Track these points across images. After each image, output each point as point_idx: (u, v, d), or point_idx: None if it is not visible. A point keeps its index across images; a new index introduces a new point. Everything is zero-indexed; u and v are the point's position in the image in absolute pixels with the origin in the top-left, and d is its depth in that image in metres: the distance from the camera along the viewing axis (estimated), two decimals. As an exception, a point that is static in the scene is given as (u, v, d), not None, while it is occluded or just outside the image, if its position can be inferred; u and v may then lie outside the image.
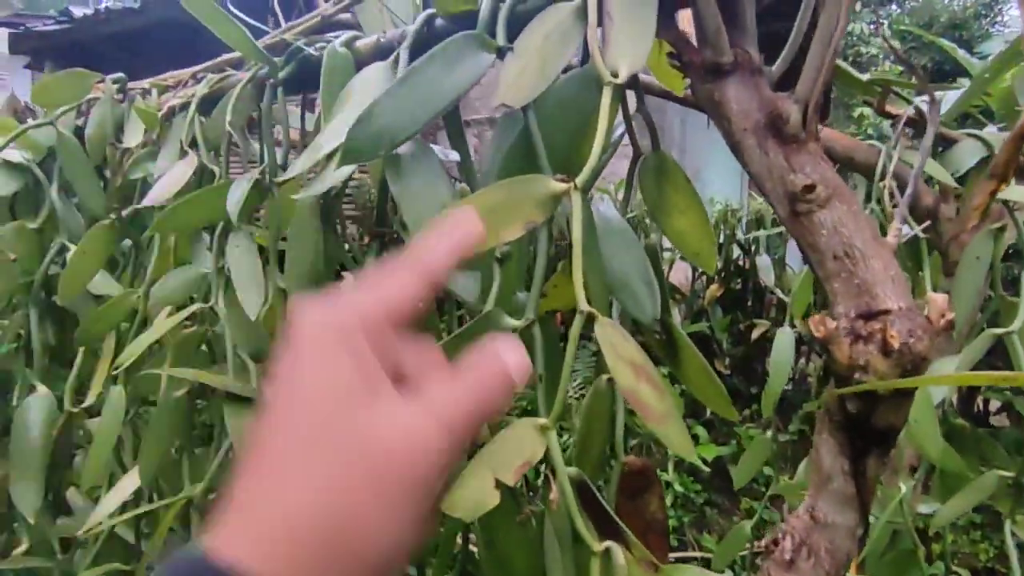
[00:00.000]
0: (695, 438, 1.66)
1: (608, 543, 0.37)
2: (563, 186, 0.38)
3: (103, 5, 4.95)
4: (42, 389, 0.74)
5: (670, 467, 1.64)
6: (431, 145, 0.46)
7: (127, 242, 0.86)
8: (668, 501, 1.60)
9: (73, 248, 0.74)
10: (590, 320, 0.37)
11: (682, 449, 0.37)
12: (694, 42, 0.43)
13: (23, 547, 0.72)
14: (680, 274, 1.89)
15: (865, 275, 0.38)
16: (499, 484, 0.39)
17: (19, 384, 0.81)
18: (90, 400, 0.71)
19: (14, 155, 0.82)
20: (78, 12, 5.03)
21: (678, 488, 1.60)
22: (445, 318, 0.58)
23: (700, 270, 1.82)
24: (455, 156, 0.46)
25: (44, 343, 0.81)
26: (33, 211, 0.82)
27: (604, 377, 0.47)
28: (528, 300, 0.41)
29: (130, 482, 0.62)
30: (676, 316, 1.76)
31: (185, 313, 0.58)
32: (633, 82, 0.41)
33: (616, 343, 0.38)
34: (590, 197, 0.42)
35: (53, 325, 0.84)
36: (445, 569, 0.49)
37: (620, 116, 0.47)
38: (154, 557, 0.56)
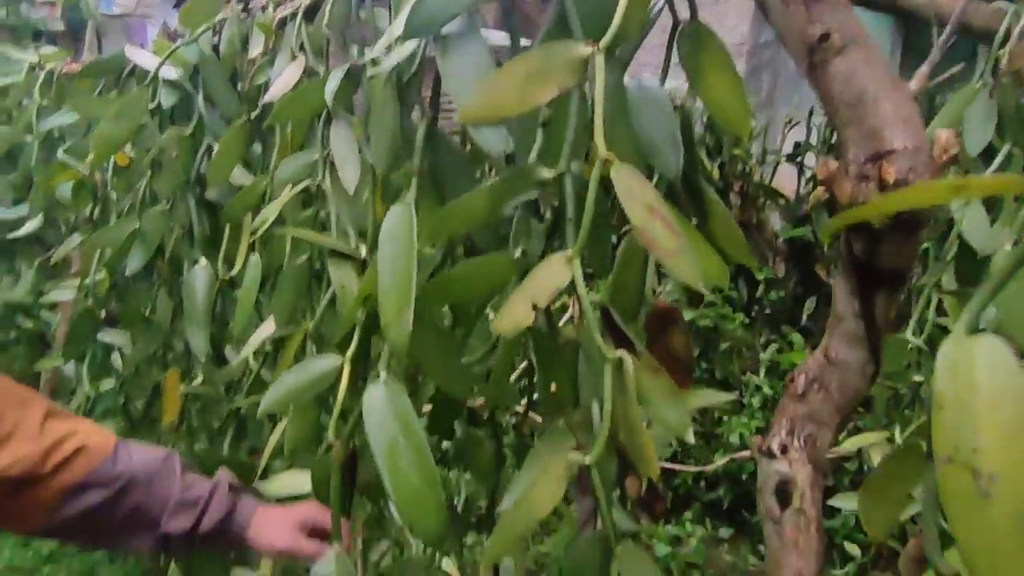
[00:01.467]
0: (790, 344, 1.65)
1: (620, 352, 0.45)
2: (589, 49, 0.44)
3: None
4: (203, 261, 0.93)
5: (761, 371, 1.66)
6: (481, 29, 0.52)
7: (258, 148, 1.01)
8: (757, 403, 1.63)
9: (217, 147, 0.90)
10: (607, 164, 0.43)
11: (689, 279, 0.43)
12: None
13: (199, 379, 0.94)
14: (786, 178, 1.81)
15: (875, 120, 0.40)
16: (535, 307, 0.47)
17: (187, 262, 1.01)
18: (236, 269, 0.88)
19: (171, 73, 0.99)
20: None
21: (767, 391, 1.62)
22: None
23: (807, 175, 1.73)
24: (500, 38, 0.53)
25: (201, 228, 1.00)
26: (186, 119, 0.99)
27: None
28: (563, 153, 0.47)
29: (267, 327, 0.78)
30: (776, 221, 1.71)
31: (300, 187, 0.70)
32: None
33: (632, 186, 0.43)
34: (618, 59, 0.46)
35: (206, 216, 1.03)
36: (503, 386, 0.60)
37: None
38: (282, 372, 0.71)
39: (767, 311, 1.75)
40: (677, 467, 1.59)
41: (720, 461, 1.57)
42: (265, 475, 0.83)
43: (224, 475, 0.65)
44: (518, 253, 0.51)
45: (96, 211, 1.44)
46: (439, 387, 0.65)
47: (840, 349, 0.49)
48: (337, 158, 0.69)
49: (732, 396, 0.59)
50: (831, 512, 1.41)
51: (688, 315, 1.72)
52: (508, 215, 0.55)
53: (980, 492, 0.27)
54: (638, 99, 0.51)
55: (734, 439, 1.62)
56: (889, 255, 0.42)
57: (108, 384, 1.38)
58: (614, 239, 0.58)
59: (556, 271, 0.47)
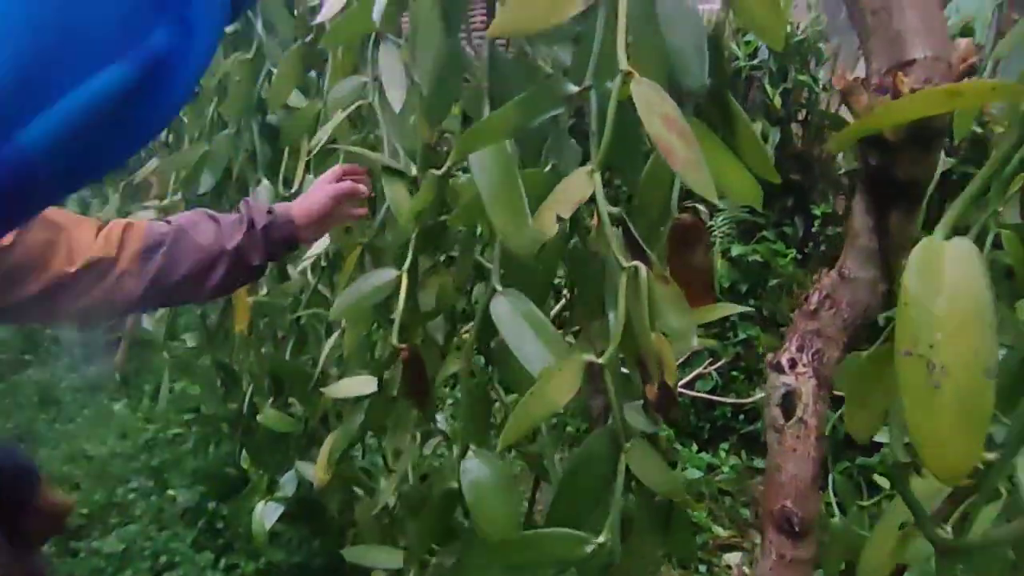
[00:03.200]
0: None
1: (635, 263, 0.48)
2: (614, -40, 0.44)
3: None
4: (265, 182, 1.00)
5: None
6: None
7: (313, 74, 1.06)
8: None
9: (276, 71, 0.94)
10: (628, 78, 0.45)
11: (703, 190, 0.45)
12: None
13: (264, 291, 1.04)
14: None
15: (899, 26, 0.40)
16: (559, 217, 0.51)
17: (251, 182, 1.09)
18: (294, 188, 0.95)
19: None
20: None
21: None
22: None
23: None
24: None
25: (263, 150, 1.07)
26: (247, 45, 1.05)
27: (663, 147, 0.54)
28: (589, 68, 0.49)
29: (323, 241, 0.84)
30: (842, 153, 1.63)
31: (351, 108, 0.75)
32: None
33: (651, 99, 0.45)
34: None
35: (268, 138, 1.10)
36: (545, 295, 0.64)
37: None
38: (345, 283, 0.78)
39: (822, 248, 1.70)
40: (716, 399, 1.62)
41: (762, 394, 1.59)
42: (322, 383, 0.92)
43: (247, 199, 0.75)
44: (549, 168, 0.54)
45: (170, 137, 1.54)
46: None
47: (853, 266, 0.50)
48: (385, 79, 0.73)
49: (744, 308, 0.61)
50: (872, 448, 1.41)
51: (738, 249, 1.70)
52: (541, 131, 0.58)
53: (931, 383, 0.29)
54: (667, 11, 0.52)
55: (777, 375, 1.62)
56: (905, 167, 0.43)
57: (187, 298, 1.52)
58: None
59: (579, 184, 0.49)
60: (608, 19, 0.48)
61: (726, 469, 1.61)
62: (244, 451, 1.22)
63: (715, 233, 1.68)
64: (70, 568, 1.34)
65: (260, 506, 1.03)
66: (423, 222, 0.69)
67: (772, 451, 0.55)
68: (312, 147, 0.80)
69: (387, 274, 0.69)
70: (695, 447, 1.68)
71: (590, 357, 0.49)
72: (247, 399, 1.23)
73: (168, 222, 0.67)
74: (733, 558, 1.46)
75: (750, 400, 1.60)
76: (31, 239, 0.56)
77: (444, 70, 0.64)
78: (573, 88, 0.49)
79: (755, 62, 1.62)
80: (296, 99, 0.96)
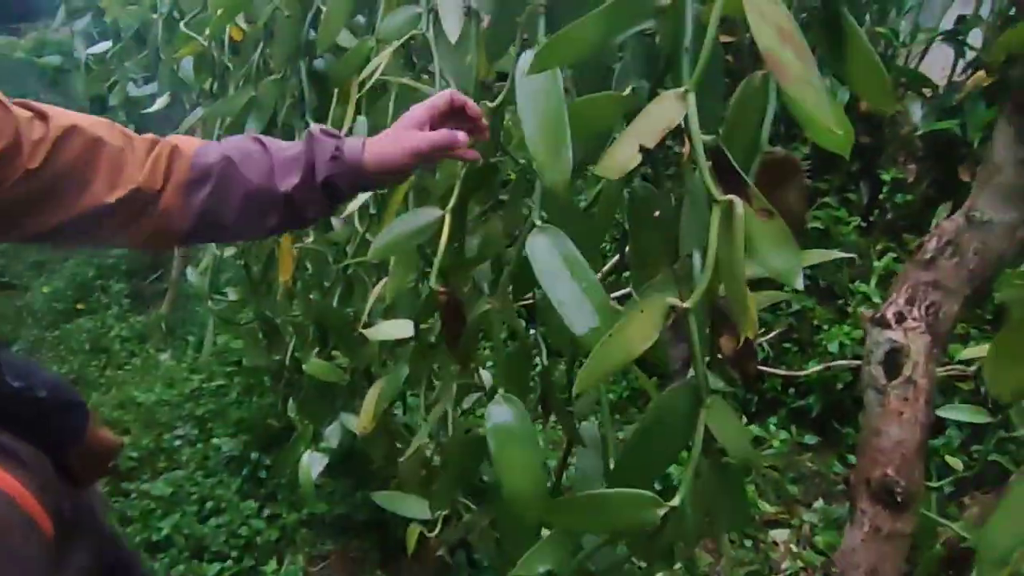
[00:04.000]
0: (910, 255, 1.50)
1: (731, 196, 0.42)
2: None
3: None
4: (314, 126, 0.97)
5: (872, 280, 1.54)
6: None
7: (362, 19, 1.01)
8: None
9: (325, 8, 0.90)
10: (738, -19, 0.39)
11: (816, 111, 0.39)
12: None
13: (311, 239, 1.01)
14: (937, 62, 1.57)
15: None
16: (642, 148, 0.45)
17: (297, 128, 1.06)
18: (344, 130, 0.91)
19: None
20: None
21: (876, 302, 1.51)
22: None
23: (968, 57, 1.48)
24: None
25: (311, 95, 1.03)
26: (293, -19, 1.00)
27: (759, 73, 0.48)
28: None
29: (372, 185, 0.80)
30: (917, 111, 1.51)
31: (404, 38, 0.70)
32: None
33: (763, 7, 0.39)
34: None
35: (315, 83, 1.06)
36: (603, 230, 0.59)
37: None
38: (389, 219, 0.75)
39: (888, 215, 1.59)
40: (767, 370, 1.55)
41: (815, 368, 1.51)
42: (367, 326, 0.89)
43: (313, 127, 0.62)
44: (627, 91, 0.48)
45: (215, 86, 1.52)
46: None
47: (987, 207, 0.44)
48: (441, 8, 0.67)
49: (847, 255, 0.55)
50: (937, 427, 1.34)
51: (798, 216, 1.61)
52: (618, 52, 0.52)
53: None
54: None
55: (833, 347, 1.54)
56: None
57: (230, 251, 1.52)
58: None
59: (668, 108, 0.44)
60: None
61: (776, 443, 1.55)
62: (290, 401, 1.22)
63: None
64: (123, 507, 1.37)
65: (306, 456, 1.03)
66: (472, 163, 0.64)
67: (871, 413, 0.49)
68: (362, 82, 0.75)
69: (431, 214, 0.65)
70: (743, 420, 1.62)
71: (674, 300, 0.44)
72: (290, 351, 1.22)
73: (219, 148, 0.59)
74: (780, 535, 1.41)
75: (802, 373, 1.53)
76: (66, 158, 0.51)
77: (504, 5, 0.59)
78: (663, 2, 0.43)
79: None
80: (346, 38, 0.92)
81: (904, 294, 0.48)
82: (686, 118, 0.43)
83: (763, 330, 1.63)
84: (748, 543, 1.36)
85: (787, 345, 1.66)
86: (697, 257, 0.47)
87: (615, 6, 0.44)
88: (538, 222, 0.51)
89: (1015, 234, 0.44)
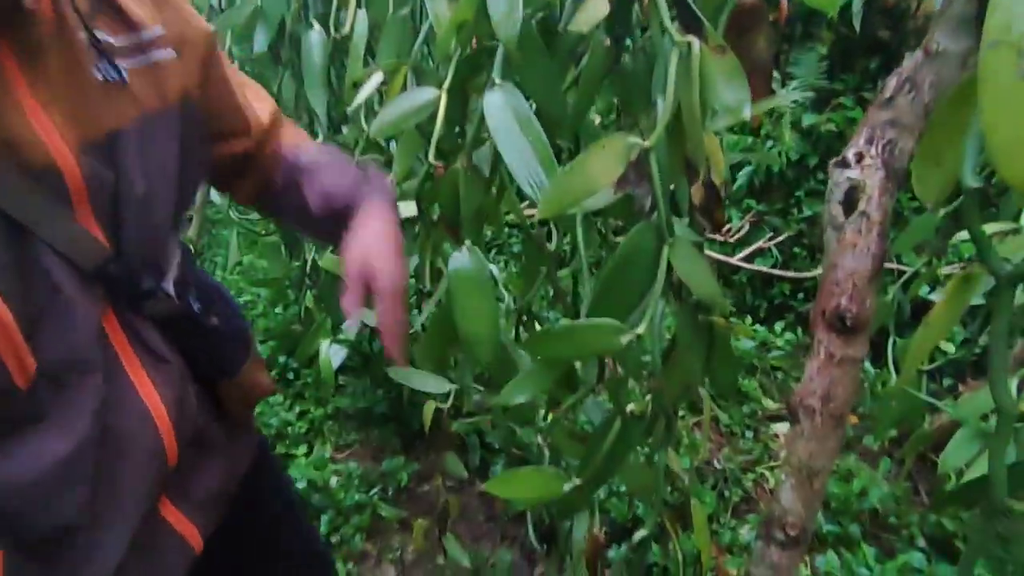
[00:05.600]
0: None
1: (688, 37, 0.44)
2: None
3: None
4: (316, 26, 0.99)
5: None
6: None
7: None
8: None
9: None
10: None
11: None
12: None
13: (320, 139, 1.05)
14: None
15: None
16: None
17: (304, 35, 1.08)
18: (347, 27, 0.93)
19: None
20: None
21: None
22: None
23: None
24: None
25: (316, 10, 1.04)
26: None
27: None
28: None
29: (376, 77, 0.83)
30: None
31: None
32: None
33: None
34: None
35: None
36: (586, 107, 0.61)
37: None
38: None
39: (908, 115, 1.55)
40: (775, 272, 1.57)
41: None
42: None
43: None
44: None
45: (222, 1, 1.52)
46: (539, 108, 0.67)
47: (943, 38, 0.45)
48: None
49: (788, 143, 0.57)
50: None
51: (810, 119, 1.58)
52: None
53: (1019, 73, 0.26)
54: None
55: (843, 252, 1.55)
56: None
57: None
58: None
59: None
60: None
61: (780, 343, 1.59)
62: (308, 294, 1.28)
63: (785, 105, 1.56)
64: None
65: (325, 345, 1.10)
66: (463, 38, 0.67)
67: (829, 250, 0.53)
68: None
69: (427, 92, 0.68)
70: (750, 321, 1.66)
71: (634, 139, 0.47)
72: (311, 258, 1.28)
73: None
74: (781, 427, 1.48)
75: (809, 275, 1.54)
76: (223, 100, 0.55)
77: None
78: None
79: None
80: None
81: (864, 135, 0.51)
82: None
83: (772, 234, 1.64)
84: (749, 434, 1.43)
85: (797, 250, 1.67)
86: (659, 101, 0.49)
87: None
88: (497, 80, 0.54)
89: (966, 63, 0.45)
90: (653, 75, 0.53)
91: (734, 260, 1.54)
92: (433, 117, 0.69)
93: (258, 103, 0.60)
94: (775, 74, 1.56)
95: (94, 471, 0.43)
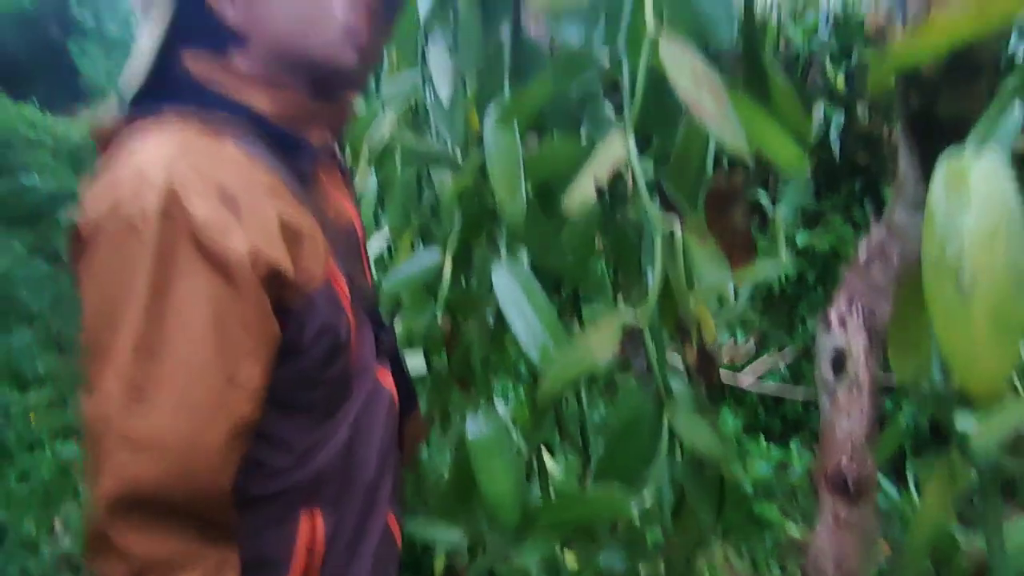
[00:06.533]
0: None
1: (670, 215, 0.48)
2: (641, -72, 0.46)
3: None
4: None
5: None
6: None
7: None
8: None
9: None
10: (656, 40, 0.46)
11: (732, 141, 0.45)
12: None
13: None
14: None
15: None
16: (597, 182, 0.52)
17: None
18: (357, 182, 1.01)
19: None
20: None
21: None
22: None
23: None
24: None
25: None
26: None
27: (698, 111, 0.55)
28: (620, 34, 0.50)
29: (382, 237, 0.89)
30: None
31: (404, 105, 0.79)
32: None
33: (679, 57, 0.46)
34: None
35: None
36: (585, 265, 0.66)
37: None
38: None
39: (897, 233, 1.61)
40: (785, 393, 1.56)
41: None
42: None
43: None
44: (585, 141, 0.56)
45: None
46: (538, 261, 0.71)
47: (902, 215, 0.49)
48: (434, 73, 0.77)
49: (786, 263, 0.60)
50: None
51: (803, 238, 1.64)
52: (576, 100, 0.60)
53: (961, 292, 0.29)
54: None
55: (852, 367, 1.55)
56: (948, 103, 0.42)
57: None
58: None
59: (614, 146, 0.51)
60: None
61: (797, 465, 1.55)
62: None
63: (778, 222, 1.63)
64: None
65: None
66: (467, 205, 0.72)
67: (824, 412, 0.54)
68: (374, 147, 0.85)
69: (433, 254, 0.72)
70: (765, 442, 1.62)
71: (627, 317, 0.50)
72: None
73: None
74: (809, 557, 1.40)
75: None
76: None
77: (486, 62, 0.68)
78: (603, 51, 0.51)
79: (814, 44, 1.57)
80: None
81: (844, 297, 0.54)
82: (629, 157, 0.50)
83: (780, 349, 1.65)
84: (777, 571, 1.35)
85: (805, 365, 1.67)
86: (649, 275, 0.53)
87: (561, 63, 0.52)
88: (503, 254, 0.59)
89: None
90: (642, 241, 0.58)
91: (742, 382, 1.54)
92: (439, 276, 0.73)
93: None
94: (765, 196, 1.65)
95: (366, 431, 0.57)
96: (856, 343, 0.52)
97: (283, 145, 0.51)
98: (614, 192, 0.61)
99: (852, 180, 1.62)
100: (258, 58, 0.51)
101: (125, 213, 0.42)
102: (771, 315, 1.68)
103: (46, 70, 5.80)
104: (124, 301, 0.42)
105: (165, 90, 0.48)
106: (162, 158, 0.44)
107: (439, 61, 0.77)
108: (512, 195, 0.55)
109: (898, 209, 0.49)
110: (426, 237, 0.82)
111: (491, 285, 0.81)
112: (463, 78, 0.75)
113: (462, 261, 0.78)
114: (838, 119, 1.55)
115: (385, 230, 0.91)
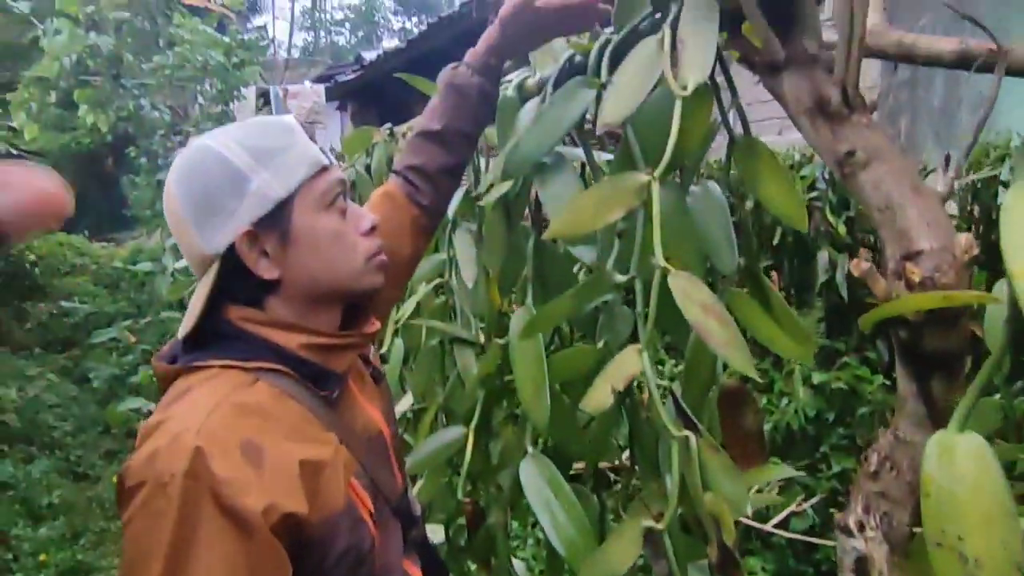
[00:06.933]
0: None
1: (687, 432, 0.51)
2: (647, 178, 0.53)
3: (381, 50, 6.06)
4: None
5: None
6: (566, 150, 0.64)
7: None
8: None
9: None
10: (665, 271, 0.52)
11: (743, 367, 0.50)
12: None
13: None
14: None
15: (903, 223, 0.45)
16: (614, 390, 0.56)
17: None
18: (384, 348, 1.06)
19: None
20: (368, 55, 6.30)
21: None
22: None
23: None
24: (580, 154, 0.64)
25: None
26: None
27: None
28: (633, 259, 0.56)
29: (407, 400, 0.93)
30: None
31: (432, 285, 0.86)
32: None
33: (688, 289, 0.52)
34: (676, 179, 0.56)
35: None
36: (604, 446, 0.68)
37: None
38: (422, 438, 0.85)
39: (913, 373, 1.61)
40: (817, 541, 1.50)
41: (866, 537, 1.45)
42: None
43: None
44: (602, 344, 0.60)
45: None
46: (559, 448, 0.74)
47: (907, 429, 0.52)
48: (459, 259, 0.84)
49: (800, 473, 0.62)
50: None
51: (819, 377, 1.65)
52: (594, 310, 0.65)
53: (967, 570, 0.31)
54: (700, 203, 0.60)
55: (883, 513, 1.49)
56: (933, 342, 0.46)
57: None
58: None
59: (630, 360, 0.55)
60: (646, 218, 0.56)
61: (837, 624, 1.45)
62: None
63: (792, 361, 1.65)
64: None
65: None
66: (489, 385, 0.77)
67: (852, 621, 0.53)
68: (399, 317, 0.91)
69: (457, 431, 0.75)
70: (799, 597, 1.53)
71: (648, 523, 0.52)
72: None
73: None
74: None
75: (855, 542, 1.47)
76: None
77: (507, 258, 0.75)
78: (620, 278, 0.56)
79: (814, 193, 1.68)
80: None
81: (860, 503, 0.55)
82: (644, 370, 0.54)
83: (805, 496, 1.60)
84: None
85: (834, 510, 1.61)
86: (668, 480, 0.55)
87: (583, 286, 0.57)
88: (530, 449, 0.62)
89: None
90: (659, 443, 0.61)
91: (768, 527, 1.48)
92: (461, 452, 0.76)
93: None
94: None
95: None
96: (878, 553, 0.52)
97: (312, 376, 0.56)
98: (630, 390, 0.65)
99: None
100: (293, 300, 0.57)
101: (158, 470, 0.48)
102: (791, 454, 1.65)
103: (97, 200, 6.24)
104: (151, 553, 0.46)
105: (213, 338, 0.56)
106: (197, 420, 0.49)
107: (464, 247, 0.84)
108: (538, 400, 0.59)
109: (902, 422, 0.52)
110: (448, 417, 0.86)
111: (508, 454, 0.83)
112: (484, 269, 0.82)
113: (483, 431, 0.80)
114: (843, 263, 1.62)
115: (409, 395, 0.95)
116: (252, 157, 0.56)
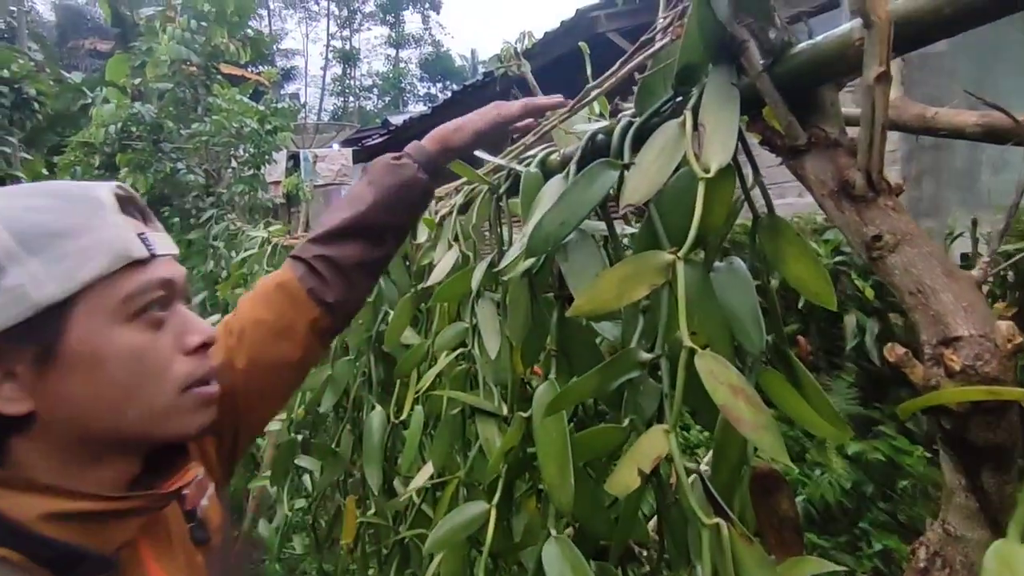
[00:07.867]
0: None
1: (718, 519, 0.49)
2: (671, 257, 0.53)
3: (408, 115, 6.32)
4: (378, 408, 1.12)
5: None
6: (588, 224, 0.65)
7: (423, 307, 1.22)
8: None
9: (391, 312, 1.11)
10: (692, 351, 0.51)
11: (774, 453, 0.48)
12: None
13: (372, 510, 1.09)
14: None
15: (937, 307, 0.44)
16: (640, 472, 0.54)
17: (366, 404, 1.22)
18: (404, 415, 1.05)
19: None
20: (395, 120, 6.57)
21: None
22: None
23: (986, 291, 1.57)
24: (602, 227, 0.65)
25: (378, 377, 1.20)
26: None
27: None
28: (659, 337, 0.56)
29: (427, 469, 0.91)
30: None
31: (454, 355, 0.86)
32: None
33: (715, 370, 0.50)
34: (700, 255, 0.55)
35: (383, 365, 1.24)
36: (631, 525, 0.65)
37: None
38: (442, 514, 0.83)
39: (954, 444, 1.54)
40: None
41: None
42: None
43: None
44: (627, 422, 0.59)
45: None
46: (583, 527, 0.71)
47: (958, 524, 0.49)
48: (483, 329, 0.84)
49: (839, 567, 0.58)
50: None
51: (855, 447, 1.58)
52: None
53: None
54: (725, 279, 0.59)
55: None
56: (979, 433, 0.44)
57: (300, 503, 1.62)
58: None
59: (656, 441, 0.54)
60: (671, 296, 0.56)
61: None
62: None
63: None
64: None
65: None
66: (512, 459, 0.75)
67: None
68: (420, 386, 0.91)
69: (478, 507, 0.73)
70: None
71: (683, 622, 0.49)
72: None
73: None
74: None
75: (902, 630, 1.37)
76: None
77: (531, 330, 0.74)
78: (646, 356, 0.55)
79: (840, 257, 1.66)
80: (409, 335, 1.11)
81: (912, 601, 0.51)
82: (671, 450, 0.53)
83: (848, 572, 1.51)
84: None
85: (878, 592, 1.51)
86: (698, 568, 0.52)
87: (609, 364, 0.56)
88: (552, 532, 0.59)
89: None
90: (688, 527, 0.58)
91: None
92: (483, 528, 0.73)
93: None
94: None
95: None
96: (933, 659, 0.48)
97: (55, 561, 0.40)
98: (657, 470, 0.63)
99: (899, 387, 1.60)
100: (51, 445, 0.42)
101: None
102: (829, 530, 1.57)
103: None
104: None
105: None
106: None
107: (487, 318, 0.84)
108: (562, 481, 0.57)
109: (952, 516, 0.49)
110: (469, 492, 0.83)
111: (531, 533, 0.80)
112: (507, 339, 0.82)
113: (505, 506, 0.78)
114: (872, 327, 1.58)
115: (429, 465, 0.93)
116: (16, 240, 0.41)
